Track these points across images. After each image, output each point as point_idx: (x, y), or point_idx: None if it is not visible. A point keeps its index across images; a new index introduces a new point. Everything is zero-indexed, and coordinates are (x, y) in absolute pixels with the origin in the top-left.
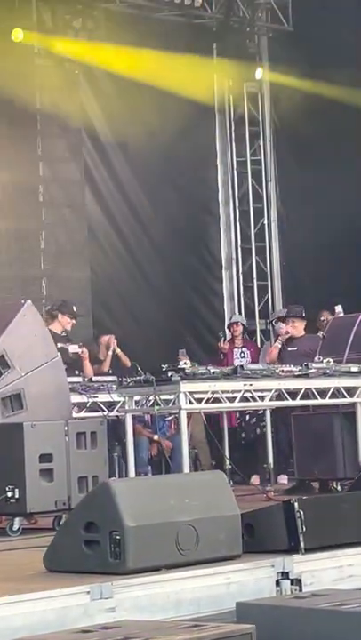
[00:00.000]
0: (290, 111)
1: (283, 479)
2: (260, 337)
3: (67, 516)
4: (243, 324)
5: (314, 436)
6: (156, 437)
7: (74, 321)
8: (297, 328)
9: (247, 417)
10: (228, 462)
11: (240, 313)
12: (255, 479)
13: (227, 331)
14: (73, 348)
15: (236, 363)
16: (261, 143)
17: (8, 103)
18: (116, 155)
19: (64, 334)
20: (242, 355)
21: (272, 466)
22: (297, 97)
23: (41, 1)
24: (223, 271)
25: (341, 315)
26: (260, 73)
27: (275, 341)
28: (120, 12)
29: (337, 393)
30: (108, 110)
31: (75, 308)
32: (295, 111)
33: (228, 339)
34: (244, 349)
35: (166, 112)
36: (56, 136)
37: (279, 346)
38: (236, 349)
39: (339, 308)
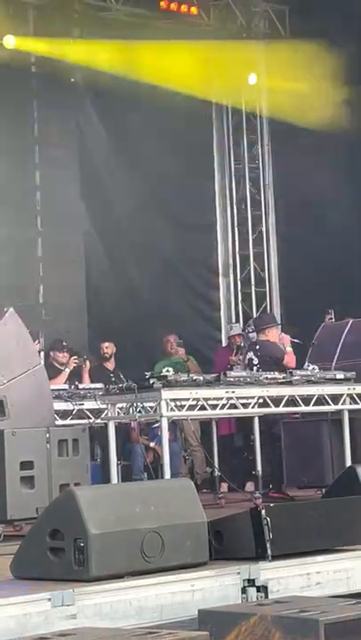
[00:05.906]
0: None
1: (250, 487)
2: None
3: (33, 523)
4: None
5: (303, 444)
6: (152, 444)
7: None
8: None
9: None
10: (216, 470)
11: (238, 321)
12: (250, 486)
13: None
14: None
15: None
16: (259, 148)
17: None
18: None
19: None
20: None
21: (260, 473)
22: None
23: None
24: (220, 278)
25: (332, 320)
26: (254, 78)
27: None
28: None
29: (323, 400)
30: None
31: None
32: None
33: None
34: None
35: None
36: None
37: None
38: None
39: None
